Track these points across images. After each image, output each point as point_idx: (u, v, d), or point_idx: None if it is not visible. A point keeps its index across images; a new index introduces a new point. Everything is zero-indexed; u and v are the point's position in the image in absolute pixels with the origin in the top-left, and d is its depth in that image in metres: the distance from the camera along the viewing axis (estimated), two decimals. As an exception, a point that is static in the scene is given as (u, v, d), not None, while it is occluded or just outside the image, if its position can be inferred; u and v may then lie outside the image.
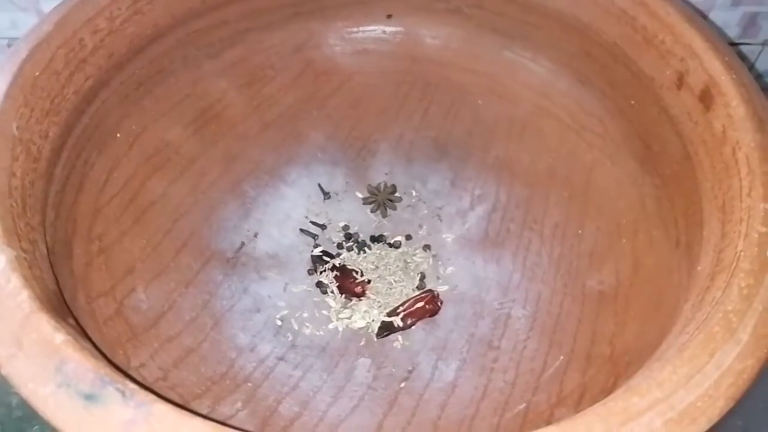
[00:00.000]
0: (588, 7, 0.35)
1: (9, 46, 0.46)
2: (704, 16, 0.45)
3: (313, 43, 0.41)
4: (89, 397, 0.20)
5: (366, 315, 0.34)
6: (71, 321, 0.24)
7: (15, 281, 0.22)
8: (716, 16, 0.45)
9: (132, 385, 0.20)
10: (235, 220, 0.37)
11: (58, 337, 0.21)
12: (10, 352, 0.21)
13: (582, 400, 0.30)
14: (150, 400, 0.20)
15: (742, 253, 0.23)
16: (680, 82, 0.31)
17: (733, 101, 0.28)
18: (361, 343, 0.34)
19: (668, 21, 0.31)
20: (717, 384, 0.21)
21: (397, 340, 0.34)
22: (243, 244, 0.37)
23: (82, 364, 0.20)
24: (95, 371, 0.20)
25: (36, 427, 0.37)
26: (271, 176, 0.39)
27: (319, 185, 0.39)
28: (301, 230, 0.38)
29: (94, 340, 0.26)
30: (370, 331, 0.34)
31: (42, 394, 0.20)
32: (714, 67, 0.29)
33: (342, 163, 0.40)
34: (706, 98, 0.29)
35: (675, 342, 0.23)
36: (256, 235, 0.37)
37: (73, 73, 0.31)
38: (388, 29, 0.41)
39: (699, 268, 0.26)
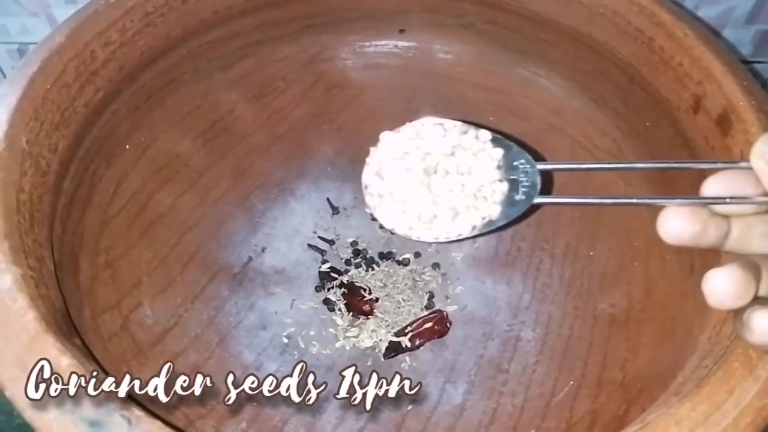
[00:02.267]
0: (603, 26, 0.35)
1: (19, 50, 0.46)
2: (717, 34, 0.45)
3: (324, 56, 0.40)
4: (94, 424, 0.19)
5: (373, 334, 0.34)
6: (77, 341, 0.24)
7: (21, 301, 0.22)
8: (729, 34, 0.45)
9: (138, 412, 0.20)
10: (243, 235, 0.37)
11: (63, 360, 0.20)
12: (15, 375, 0.20)
13: (593, 427, 0.29)
14: (155, 428, 0.19)
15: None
16: (697, 105, 0.30)
17: (753, 127, 0.27)
18: (368, 363, 0.33)
19: (686, 43, 0.31)
20: (736, 422, 0.20)
21: (405, 361, 0.33)
22: (250, 258, 0.36)
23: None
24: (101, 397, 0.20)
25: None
26: (280, 190, 0.39)
27: (328, 200, 0.39)
28: (309, 245, 0.38)
29: (99, 357, 0.26)
30: (377, 351, 0.34)
31: (46, 419, 0.20)
32: (732, 91, 0.29)
33: (351, 178, 0.40)
34: (723, 123, 0.29)
35: (692, 376, 0.22)
36: (263, 250, 0.37)
37: (84, 86, 0.30)
38: (401, 44, 0.41)
39: (716, 297, 0.26)
